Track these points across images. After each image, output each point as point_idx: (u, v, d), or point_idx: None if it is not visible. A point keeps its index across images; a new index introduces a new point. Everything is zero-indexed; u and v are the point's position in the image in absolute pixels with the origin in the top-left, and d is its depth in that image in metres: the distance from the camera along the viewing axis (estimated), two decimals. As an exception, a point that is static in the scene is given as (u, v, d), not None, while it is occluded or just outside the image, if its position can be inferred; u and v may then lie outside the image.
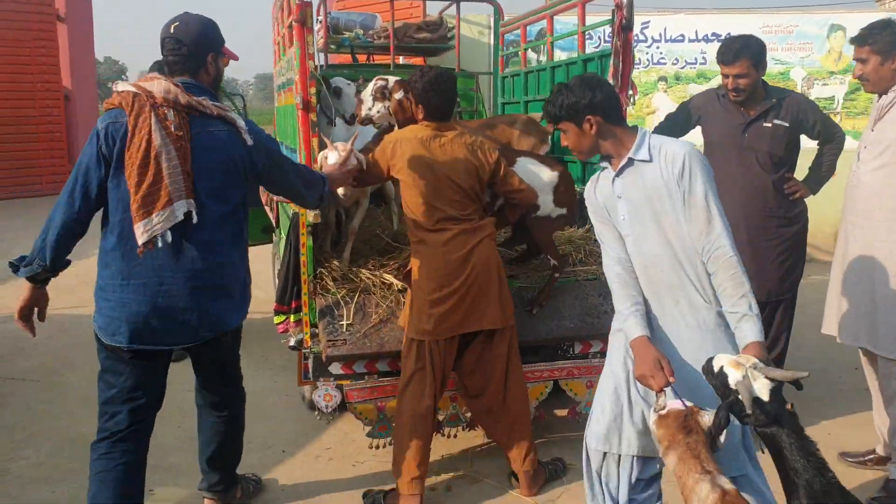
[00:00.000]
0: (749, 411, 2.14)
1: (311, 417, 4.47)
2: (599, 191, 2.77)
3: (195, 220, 2.79)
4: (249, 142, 2.91)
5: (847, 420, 4.49)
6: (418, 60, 7.58)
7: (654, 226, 2.61)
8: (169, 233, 2.74)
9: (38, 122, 14.13)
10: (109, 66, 59.95)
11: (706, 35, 11.90)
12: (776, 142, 4.00)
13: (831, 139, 4.16)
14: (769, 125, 4.00)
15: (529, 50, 7.29)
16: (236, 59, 3.46)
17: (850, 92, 12.26)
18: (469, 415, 3.93)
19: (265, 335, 5.98)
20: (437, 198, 3.46)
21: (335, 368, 3.75)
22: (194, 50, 2.89)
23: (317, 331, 3.76)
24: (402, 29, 6.24)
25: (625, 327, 2.63)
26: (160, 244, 2.75)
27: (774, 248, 4.05)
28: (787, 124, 4.00)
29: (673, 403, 2.33)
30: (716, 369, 2.27)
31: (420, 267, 3.52)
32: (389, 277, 3.93)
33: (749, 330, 2.45)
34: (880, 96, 3.54)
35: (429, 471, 3.71)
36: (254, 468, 3.83)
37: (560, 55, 9.11)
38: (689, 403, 2.32)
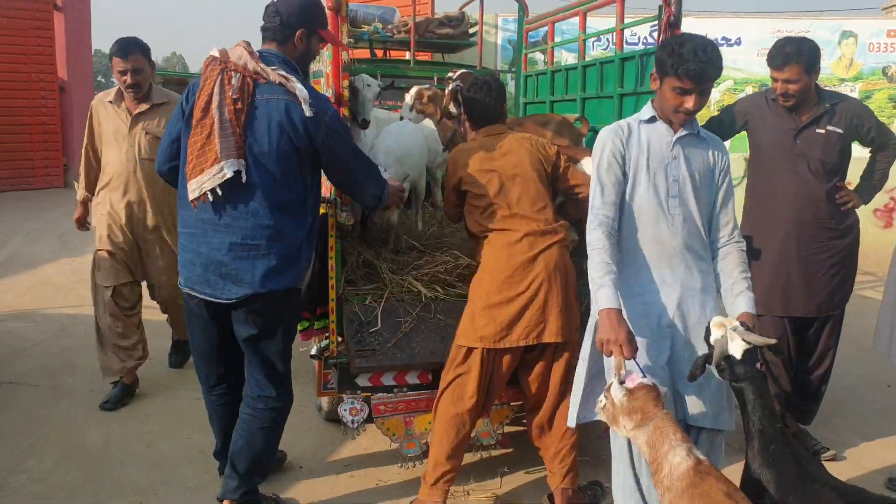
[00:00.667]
0: (717, 366, 2.45)
1: (328, 430, 4.25)
2: (634, 141, 2.81)
3: (244, 179, 2.88)
4: (308, 113, 2.90)
5: (889, 441, 4.30)
6: (426, 56, 7.36)
7: (693, 196, 2.79)
8: (218, 189, 2.86)
9: (33, 114, 13.79)
10: (100, 59, 59.30)
11: (717, 39, 11.74)
12: (829, 149, 3.80)
13: (885, 146, 3.96)
14: (822, 131, 3.80)
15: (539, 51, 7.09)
16: (336, 44, 3.32)
17: (861, 98, 12.12)
18: (501, 432, 3.72)
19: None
20: (501, 195, 3.36)
21: (363, 380, 3.54)
22: (287, 21, 3.00)
23: (343, 339, 3.54)
24: (423, 23, 6.03)
25: (598, 295, 2.65)
26: (210, 198, 2.88)
27: (826, 261, 3.85)
28: (840, 131, 3.80)
29: (634, 378, 2.42)
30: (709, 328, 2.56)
31: (481, 269, 3.36)
32: (418, 285, 3.71)
33: (745, 303, 2.72)
34: None
35: (459, 489, 3.50)
36: (271, 486, 3.59)
37: (570, 58, 8.92)
38: (653, 381, 2.44)
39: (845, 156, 3.89)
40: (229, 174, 2.84)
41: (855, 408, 4.77)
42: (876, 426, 4.50)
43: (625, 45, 4.60)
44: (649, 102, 2.87)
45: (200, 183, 2.87)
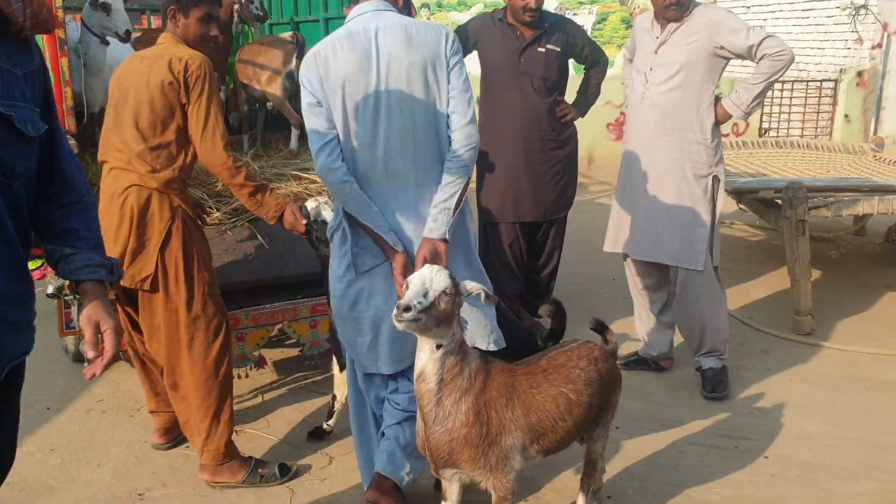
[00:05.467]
0: (314, 228, 3.01)
1: (76, 370, 4.10)
2: None
3: None
4: None
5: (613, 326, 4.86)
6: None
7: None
8: None
9: None
10: None
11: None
12: (549, 66, 4.12)
13: (597, 63, 4.36)
14: (542, 50, 4.10)
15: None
16: None
17: (597, 21, 13.01)
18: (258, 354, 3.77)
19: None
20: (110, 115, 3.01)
21: (107, 314, 3.42)
22: None
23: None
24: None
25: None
26: None
27: (550, 170, 4.22)
28: (558, 49, 4.13)
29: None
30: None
31: None
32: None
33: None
34: (660, 21, 3.72)
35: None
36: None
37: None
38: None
39: (563, 73, 4.25)
40: None
41: (585, 300, 5.31)
42: (601, 312, 5.04)
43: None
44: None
45: None
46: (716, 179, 3.77)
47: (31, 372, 3.96)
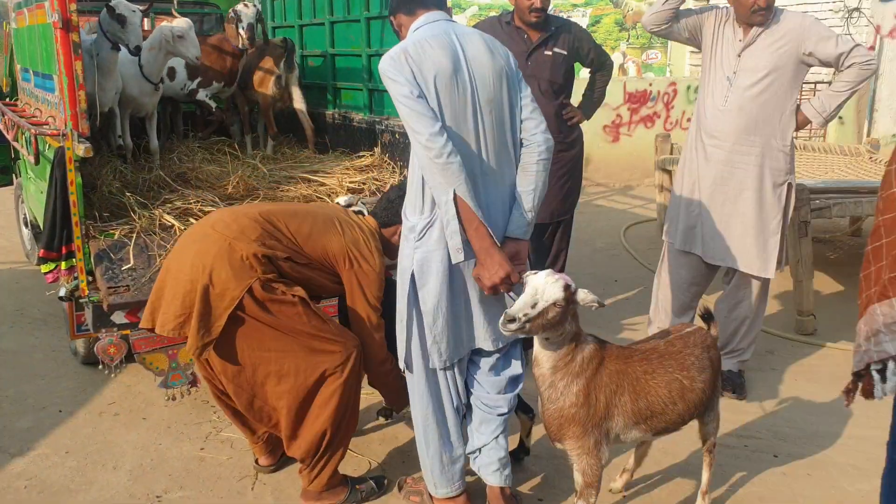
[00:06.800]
0: None
1: (86, 373, 4.10)
2: None
3: None
4: None
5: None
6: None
7: None
8: None
9: None
10: None
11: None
12: (556, 69, 4.15)
13: (602, 66, 4.39)
14: (549, 53, 4.13)
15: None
16: None
17: (591, 24, 13.07)
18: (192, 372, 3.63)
19: (15, 288, 5.40)
20: None
21: (119, 317, 3.42)
22: None
23: (93, 278, 3.40)
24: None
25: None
26: None
27: (556, 172, 4.23)
28: (565, 52, 4.15)
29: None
30: None
31: None
32: (171, 218, 3.65)
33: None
34: (741, 25, 3.73)
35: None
36: (29, 432, 3.44)
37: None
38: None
39: (570, 75, 4.28)
40: None
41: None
42: (605, 314, 5.09)
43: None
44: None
45: None
46: (790, 186, 3.81)
47: (41, 375, 4.02)
